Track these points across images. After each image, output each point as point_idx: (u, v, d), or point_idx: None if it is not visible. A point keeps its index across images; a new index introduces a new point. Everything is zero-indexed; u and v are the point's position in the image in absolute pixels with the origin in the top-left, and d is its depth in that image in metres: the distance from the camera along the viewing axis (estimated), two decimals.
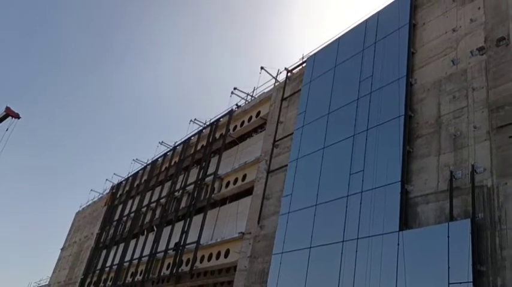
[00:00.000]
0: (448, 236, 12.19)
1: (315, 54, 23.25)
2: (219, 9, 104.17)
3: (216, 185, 27.24)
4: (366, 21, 20.20)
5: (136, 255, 30.97)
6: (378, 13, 19.73)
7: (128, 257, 32.19)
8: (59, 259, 51.17)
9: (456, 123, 14.07)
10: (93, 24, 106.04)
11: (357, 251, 14.80)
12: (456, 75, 14.91)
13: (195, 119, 33.97)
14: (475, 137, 13.28)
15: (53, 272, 50.53)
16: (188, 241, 25.64)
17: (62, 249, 51.88)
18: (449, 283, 11.62)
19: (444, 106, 14.79)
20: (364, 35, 19.71)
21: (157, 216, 31.95)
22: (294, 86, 24.29)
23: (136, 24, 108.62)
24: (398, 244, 13.50)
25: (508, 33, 13.89)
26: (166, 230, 28.71)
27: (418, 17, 17.87)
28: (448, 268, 11.81)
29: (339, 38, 21.71)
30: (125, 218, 37.03)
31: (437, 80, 15.53)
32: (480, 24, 14.98)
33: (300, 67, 24.73)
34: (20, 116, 40.57)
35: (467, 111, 13.92)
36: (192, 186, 28.84)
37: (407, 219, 13.99)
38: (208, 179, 27.77)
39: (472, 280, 11.20)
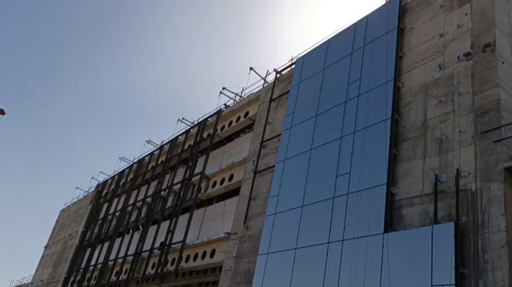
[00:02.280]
0: (432, 239, 12.32)
1: (304, 56, 23.34)
2: (209, 9, 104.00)
3: (203, 185, 27.18)
4: (355, 24, 20.34)
5: (121, 254, 30.75)
6: (367, 17, 19.87)
7: (112, 256, 31.97)
8: (42, 257, 50.60)
9: (442, 128, 14.23)
10: (83, 21, 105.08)
11: (342, 252, 14.88)
12: (443, 80, 15.09)
13: (182, 118, 33.94)
14: (460, 142, 13.46)
15: (36, 270, 49.96)
16: (174, 241, 25.54)
17: (45, 247, 51.32)
18: (432, 285, 11.75)
19: (430, 110, 14.96)
20: (353, 38, 19.84)
21: (143, 215, 31.77)
22: (283, 87, 24.35)
23: (125, 22, 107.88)
24: (383, 246, 13.61)
25: (494, 40, 14.10)
26: (152, 230, 28.56)
27: (406, 21, 18.04)
28: (431, 270, 11.94)
29: (328, 40, 21.83)
30: (110, 217, 36.75)
31: (424, 84, 15.70)
32: (467, 30, 15.18)
33: (289, 69, 24.80)
34: (5, 112, 40.09)
35: (453, 116, 14.10)
36: (179, 185, 28.74)
37: (392, 221, 14.11)
38: (195, 178, 27.70)
39: (454, 283, 11.34)
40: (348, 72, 18.99)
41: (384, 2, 19.74)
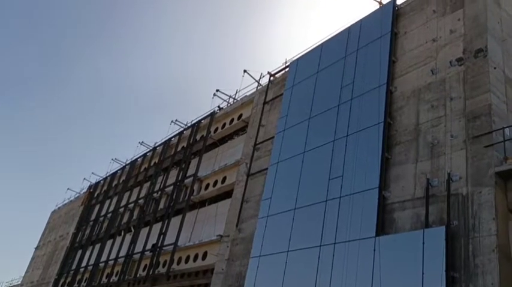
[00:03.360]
0: (423, 243, 12.38)
1: (297, 59, 23.40)
2: (204, 12, 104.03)
3: (196, 187, 27.12)
4: (349, 28, 20.43)
5: (113, 256, 30.59)
6: (361, 21, 19.96)
7: (103, 258, 31.78)
8: (32, 259, 50.21)
9: (434, 132, 14.32)
10: (80, 19, 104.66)
11: (333, 255, 14.91)
12: (435, 84, 15.19)
13: (176, 120, 33.84)
14: (452, 146, 13.54)
15: (26, 271, 49.55)
16: (166, 243, 25.44)
17: (36, 248, 50.92)
18: None
19: (423, 114, 15.04)
20: (347, 42, 19.92)
21: (135, 217, 31.64)
22: (277, 90, 24.39)
23: (123, 19, 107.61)
24: (374, 250, 13.65)
25: (486, 45, 14.22)
26: (144, 231, 28.44)
27: (399, 26, 18.15)
28: (423, 273, 12.00)
29: (322, 44, 21.90)
30: (101, 218, 36.54)
31: (417, 88, 15.79)
32: (459, 36, 15.30)
33: (283, 72, 24.86)
34: None
35: (444, 120, 14.19)
36: (171, 187, 28.64)
37: (384, 225, 14.16)
38: (188, 180, 27.63)
39: (445, 286, 11.39)
40: (341, 76, 19.06)
41: (378, 6, 19.87)
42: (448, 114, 14.20)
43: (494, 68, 14.00)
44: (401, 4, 18.70)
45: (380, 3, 19.97)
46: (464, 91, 14.10)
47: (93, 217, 38.39)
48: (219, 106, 29.96)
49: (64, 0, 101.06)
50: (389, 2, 19.02)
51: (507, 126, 13.05)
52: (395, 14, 18.38)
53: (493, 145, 12.52)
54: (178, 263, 24.46)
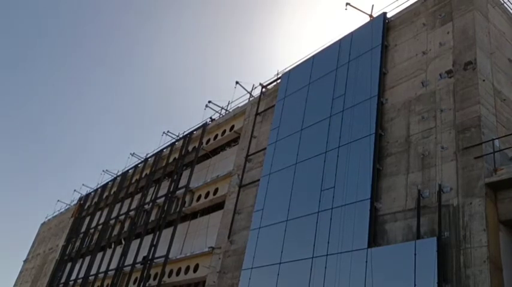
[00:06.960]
0: (415, 254, 12.40)
1: (289, 71, 23.55)
2: (197, 24, 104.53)
3: (187, 198, 26.98)
4: (340, 40, 20.62)
5: (103, 268, 30.23)
6: (352, 33, 20.18)
7: (93, 271, 31.39)
8: (21, 272, 49.52)
9: (424, 143, 14.43)
10: (74, 25, 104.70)
11: (326, 267, 14.86)
12: (425, 96, 15.35)
13: (168, 131, 33.83)
14: (442, 157, 13.64)
15: (14, 285, 48.82)
16: (157, 255, 25.21)
17: (24, 261, 50.25)
18: None
19: (413, 126, 15.17)
20: (338, 55, 20.10)
21: (125, 229, 31.36)
22: (268, 101, 24.49)
23: (113, 32, 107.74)
24: (366, 261, 13.63)
25: (475, 58, 14.42)
26: (135, 244, 28.18)
27: (390, 38, 18.36)
28: (414, 285, 11.99)
29: (314, 56, 22.08)
30: (92, 230, 36.20)
31: (407, 100, 15.93)
32: (449, 48, 15.51)
33: (275, 83, 24.99)
34: None
35: (435, 132, 14.31)
36: (163, 199, 28.48)
37: (375, 236, 14.17)
38: (180, 192, 27.50)
39: None
40: (332, 88, 19.19)
41: (369, 19, 20.11)
42: (438, 125, 14.33)
43: (483, 80, 14.19)
44: (391, 17, 18.95)
45: (371, 16, 20.24)
46: (454, 103, 14.26)
47: (83, 229, 38.00)
48: (211, 117, 30.02)
49: (67, 4, 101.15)
50: (379, 15, 19.28)
51: (497, 138, 13.21)
52: (385, 26, 18.61)
53: (482, 156, 12.64)
54: (169, 276, 24.22)
